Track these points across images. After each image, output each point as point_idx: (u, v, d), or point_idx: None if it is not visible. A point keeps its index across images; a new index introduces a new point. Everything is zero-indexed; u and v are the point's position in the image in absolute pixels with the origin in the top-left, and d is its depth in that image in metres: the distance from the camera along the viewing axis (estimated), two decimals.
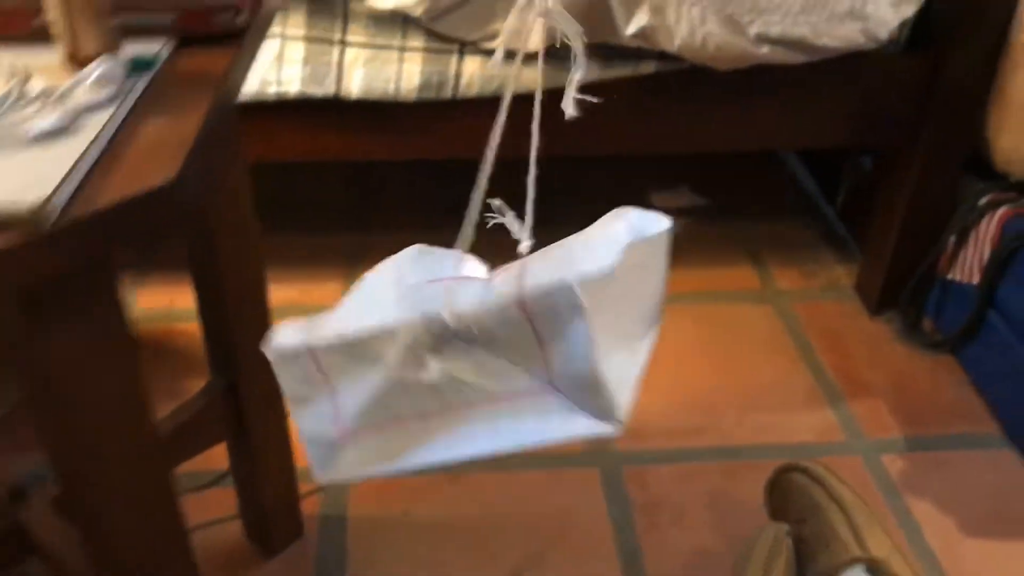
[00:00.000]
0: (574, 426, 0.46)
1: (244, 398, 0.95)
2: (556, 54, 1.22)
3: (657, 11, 1.12)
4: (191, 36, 0.60)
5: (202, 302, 0.91)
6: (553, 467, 1.21)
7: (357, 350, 0.45)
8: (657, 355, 1.40)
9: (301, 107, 1.23)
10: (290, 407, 0.44)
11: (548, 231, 1.84)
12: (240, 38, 0.59)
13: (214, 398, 0.94)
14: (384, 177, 1.84)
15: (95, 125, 0.49)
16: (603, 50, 1.20)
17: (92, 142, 0.47)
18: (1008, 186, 1.33)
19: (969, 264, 1.35)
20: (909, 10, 1.15)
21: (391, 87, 1.22)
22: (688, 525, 1.13)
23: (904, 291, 1.45)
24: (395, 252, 1.64)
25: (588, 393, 0.44)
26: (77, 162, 0.45)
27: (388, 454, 0.46)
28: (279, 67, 1.20)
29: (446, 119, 1.28)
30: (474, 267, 0.51)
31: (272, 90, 1.21)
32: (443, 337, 0.44)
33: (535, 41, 1.18)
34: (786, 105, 1.29)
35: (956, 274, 1.37)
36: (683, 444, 1.26)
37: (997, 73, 1.25)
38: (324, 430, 0.46)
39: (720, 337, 1.45)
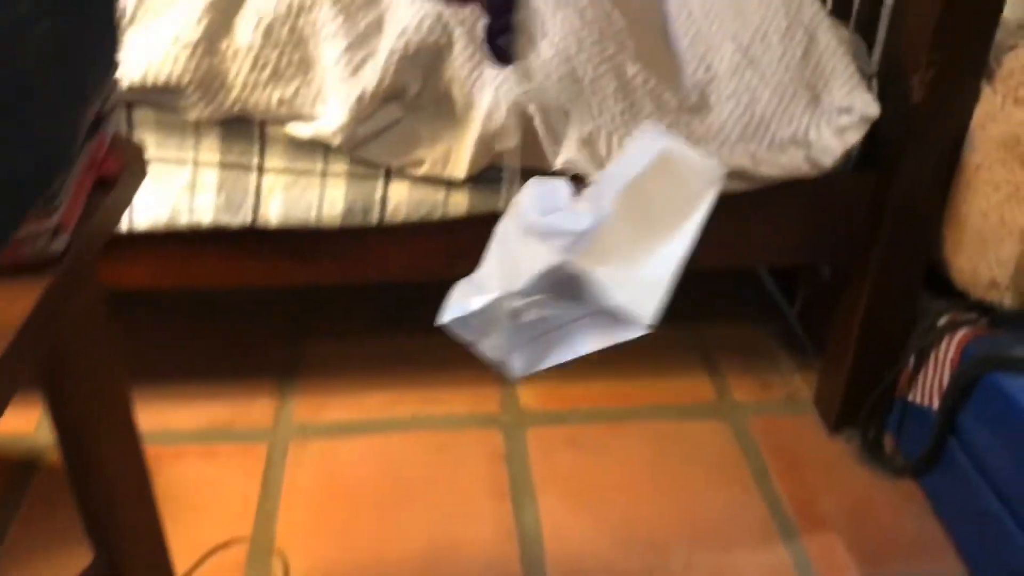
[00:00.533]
0: (622, 332, 0.68)
1: None
2: (484, 178, 1.16)
3: (586, 144, 1.06)
4: None
5: (72, 479, 0.83)
6: None
7: (487, 314, 0.69)
8: (602, 483, 1.33)
9: (217, 234, 1.16)
10: (472, 346, 0.71)
11: None
12: (58, 265, 0.52)
13: None
14: None
15: None
16: (536, 173, 1.14)
17: None
18: (968, 305, 1.26)
19: (929, 387, 1.28)
20: (853, 137, 1.09)
21: (312, 214, 1.15)
22: None
23: (863, 409, 1.37)
24: (329, 363, 1.57)
25: (619, 316, 0.67)
26: None
27: (536, 360, 0.72)
28: (192, 195, 1.13)
29: (372, 244, 1.21)
30: (566, 192, 0.75)
31: (184, 220, 1.14)
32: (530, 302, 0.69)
33: (463, 167, 1.12)
34: (728, 226, 1.22)
35: (916, 396, 1.31)
36: None
37: (950, 193, 1.19)
38: (496, 353, 0.70)
39: (670, 459, 1.38)
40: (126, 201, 0.61)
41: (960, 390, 1.20)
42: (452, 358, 1.57)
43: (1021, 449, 1.11)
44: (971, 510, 1.21)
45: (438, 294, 1.81)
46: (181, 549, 0.94)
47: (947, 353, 1.25)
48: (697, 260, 1.31)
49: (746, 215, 1.23)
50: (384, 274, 1.25)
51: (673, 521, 1.27)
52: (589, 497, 1.31)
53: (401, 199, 1.15)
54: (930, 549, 1.24)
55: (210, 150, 1.14)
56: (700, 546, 1.23)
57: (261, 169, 1.14)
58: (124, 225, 1.12)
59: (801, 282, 1.58)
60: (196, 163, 1.13)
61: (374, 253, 1.22)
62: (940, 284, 1.29)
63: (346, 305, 1.70)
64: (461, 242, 1.23)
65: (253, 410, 1.45)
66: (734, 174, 1.08)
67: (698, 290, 1.75)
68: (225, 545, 1.21)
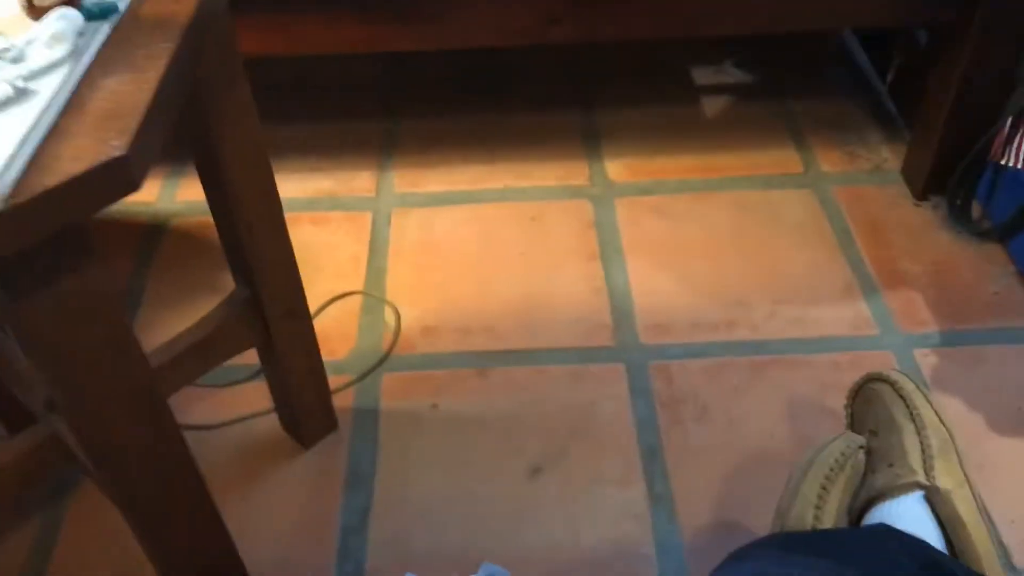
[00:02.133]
0: None
1: (265, 308, 0.97)
2: None
3: None
4: None
5: (215, 215, 0.92)
6: (578, 362, 1.23)
7: None
8: (687, 246, 1.39)
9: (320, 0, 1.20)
10: None
11: (587, 113, 1.80)
12: None
13: (236, 309, 0.96)
14: (413, 57, 1.80)
15: (48, 90, 0.48)
16: None
17: (43, 112, 0.47)
18: None
19: None
20: None
21: None
22: (711, 421, 1.15)
23: (953, 175, 1.38)
24: (426, 138, 1.65)
25: None
26: (25, 138, 0.45)
27: None
28: None
29: (471, 7, 1.23)
30: None
31: None
32: None
33: None
34: None
35: (1010, 159, 1.30)
36: (711, 338, 1.26)
37: None
38: None
39: (756, 225, 1.42)
40: None
41: None
42: (541, 133, 1.62)
43: None
44: None
45: (528, 68, 1.83)
46: None
47: None
48: (793, 23, 1.31)
49: None
50: (480, 37, 1.28)
51: (756, 279, 1.33)
52: (675, 259, 1.37)
53: None
54: (1010, 307, 1.28)
55: None
56: (782, 300, 1.30)
57: None
58: None
59: (895, 52, 1.55)
60: None
61: (471, 15, 1.24)
62: None
63: (439, 83, 1.74)
64: (556, 7, 1.25)
65: (356, 182, 1.53)
66: None
67: (787, 64, 1.74)
68: (342, 296, 1.33)
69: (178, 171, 1.56)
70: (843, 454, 0.86)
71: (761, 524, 0.98)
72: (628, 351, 1.24)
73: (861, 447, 0.87)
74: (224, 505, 0.88)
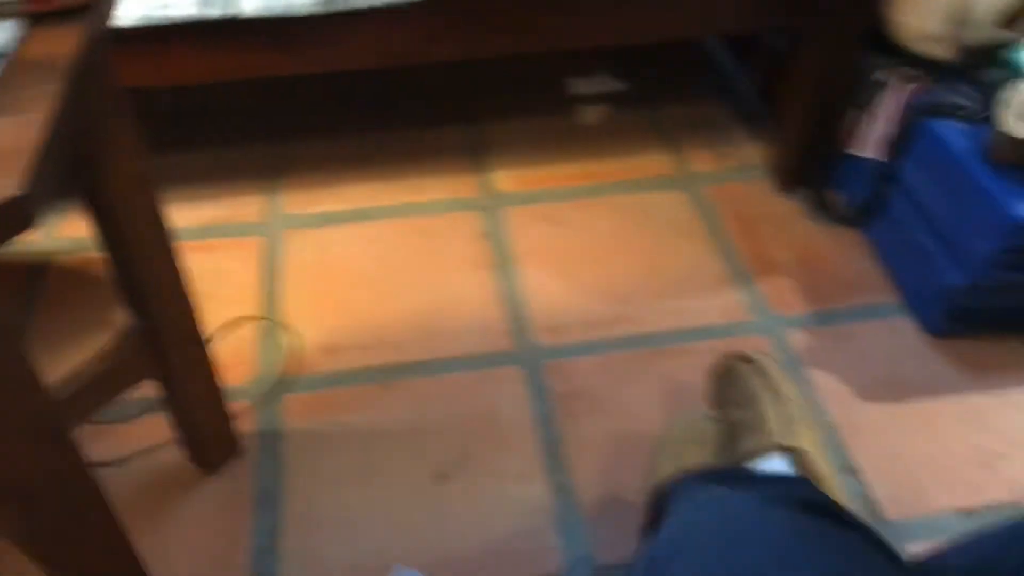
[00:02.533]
0: None
1: (161, 337, 0.98)
2: None
3: None
4: (40, 15, 0.60)
5: (105, 247, 0.92)
6: (477, 368, 1.27)
7: None
8: (575, 250, 1.45)
9: (193, 27, 1.21)
10: None
11: (472, 127, 1.85)
12: (89, 10, 0.59)
13: (131, 340, 0.97)
14: (297, 80, 1.81)
15: None
16: None
17: None
18: (910, 61, 1.35)
19: (872, 140, 1.39)
20: None
21: (282, 2, 1.20)
22: (605, 412, 1.21)
23: (812, 168, 1.49)
24: (314, 160, 1.66)
25: None
26: None
27: None
28: None
29: (344, 31, 1.26)
30: None
31: (159, 14, 1.18)
32: None
33: None
34: None
35: (861, 150, 1.42)
36: (601, 335, 1.32)
37: None
38: None
39: (635, 227, 1.50)
40: None
41: (899, 139, 1.31)
42: (429, 149, 1.66)
43: (953, 189, 1.23)
44: (906, 247, 1.34)
45: (412, 85, 1.87)
46: None
47: (890, 107, 1.35)
48: (658, 33, 1.40)
49: None
50: (353, 62, 1.31)
51: (639, 277, 1.41)
52: (564, 263, 1.44)
53: None
54: (870, 286, 1.39)
55: None
56: (664, 294, 1.37)
57: None
58: None
59: (757, 55, 1.65)
60: None
61: (344, 41, 1.27)
62: (887, 45, 1.37)
63: (324, 104, 1.76)
64: (435, 26, 1.29)
65: (245, 207, 1.54)
66: None
67: (657, 71, 1.83)
68: (238, 321, 1.33)
69: (57, 208, 1.53)
70: (690, 425, 0.97)
71: None
72: (525, 353, 1.29)
73: (709, 419, 0.98)
74: (135, 538, 0.89)
